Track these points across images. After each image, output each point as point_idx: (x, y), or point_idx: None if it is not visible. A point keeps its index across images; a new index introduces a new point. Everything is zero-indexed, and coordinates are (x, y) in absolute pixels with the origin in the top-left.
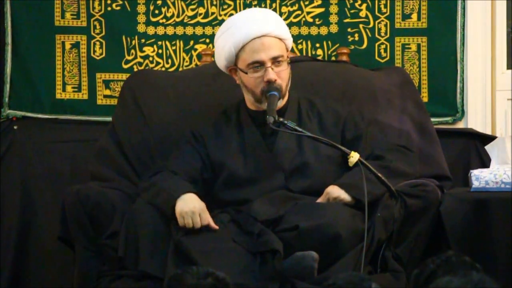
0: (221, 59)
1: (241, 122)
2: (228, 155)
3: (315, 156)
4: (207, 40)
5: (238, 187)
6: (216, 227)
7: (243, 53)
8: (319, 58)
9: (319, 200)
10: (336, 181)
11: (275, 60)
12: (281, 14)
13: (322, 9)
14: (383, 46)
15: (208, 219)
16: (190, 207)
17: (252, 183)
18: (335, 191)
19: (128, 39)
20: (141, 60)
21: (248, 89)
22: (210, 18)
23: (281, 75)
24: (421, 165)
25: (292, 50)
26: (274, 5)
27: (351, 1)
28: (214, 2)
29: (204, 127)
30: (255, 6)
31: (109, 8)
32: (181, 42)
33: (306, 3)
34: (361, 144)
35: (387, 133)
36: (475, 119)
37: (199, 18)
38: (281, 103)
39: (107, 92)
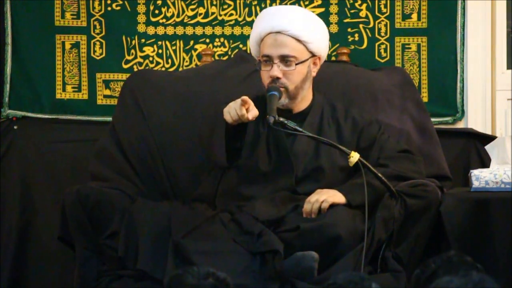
0: (251, 49)
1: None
2: (252, 146)
3: (329, 164)
4: (207, 40)
5: (251, 181)
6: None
7: (262, 45)
8: None
9: (312, 195)
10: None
11: (284, 59)
12: None
13: (322, 9)
14: (383, 46)
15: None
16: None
17: (264, 180)
18: (327, 192)
19: (128, 39)
20: (141, 60)
21: (262, 83)
22: (210, 18)
23: (288, 75)
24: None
25: None
26: (274, 5)
27: (351, 1)
28: (214, 2)
29: None
30: (255, 6)
31: (109, 8)
32: (181, 42)
33: (306, 3)
34: (371, 152)
35: (395, 140)
36: (475, 119)
37: (199, 18)
38: (298, 104)
39: (107, 92)
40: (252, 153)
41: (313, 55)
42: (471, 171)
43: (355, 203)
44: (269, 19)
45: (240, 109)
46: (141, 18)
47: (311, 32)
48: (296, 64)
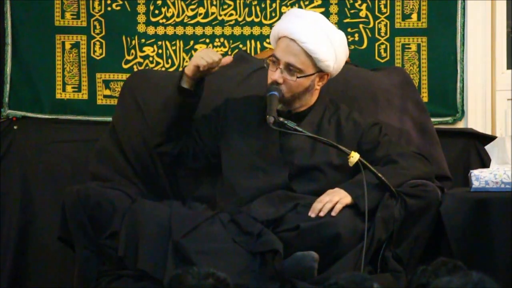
0: (270, 40)
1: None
2: (247, 143)
3: (326, 162)
4: (207, 40)
5: (246, 177)
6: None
7: (276, 44)
8: None
9: (324, 196)
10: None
11: (288, 67)
12: (281, 14)
13: (322, 9)
14: (383, 46)
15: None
16: (196, 55)
17: (259, 176)
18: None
19: (128, 39)
20: (141, 60)
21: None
22: (210, 18)
23: (288, 84)
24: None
25: None
26: (274, 5)
27: (351, 1)
28: (214, 2)
29: (234, 106)
30: (255, 6)
31: (109, 8)
32: (181, 42)
33: (306, 3)
34: (377, 152)
35: (399, 140)
36: (475, 119)
37: (199, 18)
38: (297, 108)
39: (107, 92)
40: (248, 149)
41: (320, 71)
42: (471, 171)
43: (363, 209)
44: (291, 22)
45: (216, 55)
46: (141, 18)
47: (326, 51)
48: (298, 78)
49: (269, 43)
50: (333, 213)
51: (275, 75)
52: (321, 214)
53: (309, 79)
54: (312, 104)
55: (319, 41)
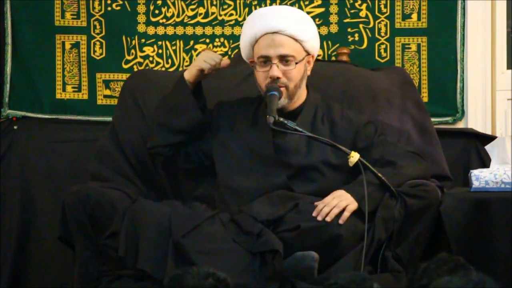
0: (242, 51)
1: (257, 116)
2: (236, 144)
3: (323, 161)
4: (207, 40)
5: (246, 177)
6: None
7: (257, 47)
8: (319, 58)
9: (331, 199)
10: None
11: (283, 59)
12: None
13: (322, 9)
14: (383, 46)
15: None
16: (198, 59)
17: (254, 176)
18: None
19: (128, 39)
20: (141, 60)
21: (257, 83)
22: (210, 18)
23: (288, 75)
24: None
25: None
26: (274, 5)
27: (351, 1)
28: (214, 2)
29: (226, 109)
30: (255, 6)
31: (109, 8)
32: (181, 42)
33: (306, 3)
34: (372, 153)
35: (395, 140)
36: (475, 119)
37: (199, 18)
38: (293, 103)
39: (107, 92)
40: (242, 152)
41: (307, 53)
42: (471, 171)
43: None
44: (264, 20)
45: (217, 57)
46: (141, 18)
47: (305, 31)
48: (296, 63)
49: None
50: (341, 221)
51: (273, 71)
52: (328, 219)
53: (303, 63)
54: (304, 100)
55: (297, 24)
